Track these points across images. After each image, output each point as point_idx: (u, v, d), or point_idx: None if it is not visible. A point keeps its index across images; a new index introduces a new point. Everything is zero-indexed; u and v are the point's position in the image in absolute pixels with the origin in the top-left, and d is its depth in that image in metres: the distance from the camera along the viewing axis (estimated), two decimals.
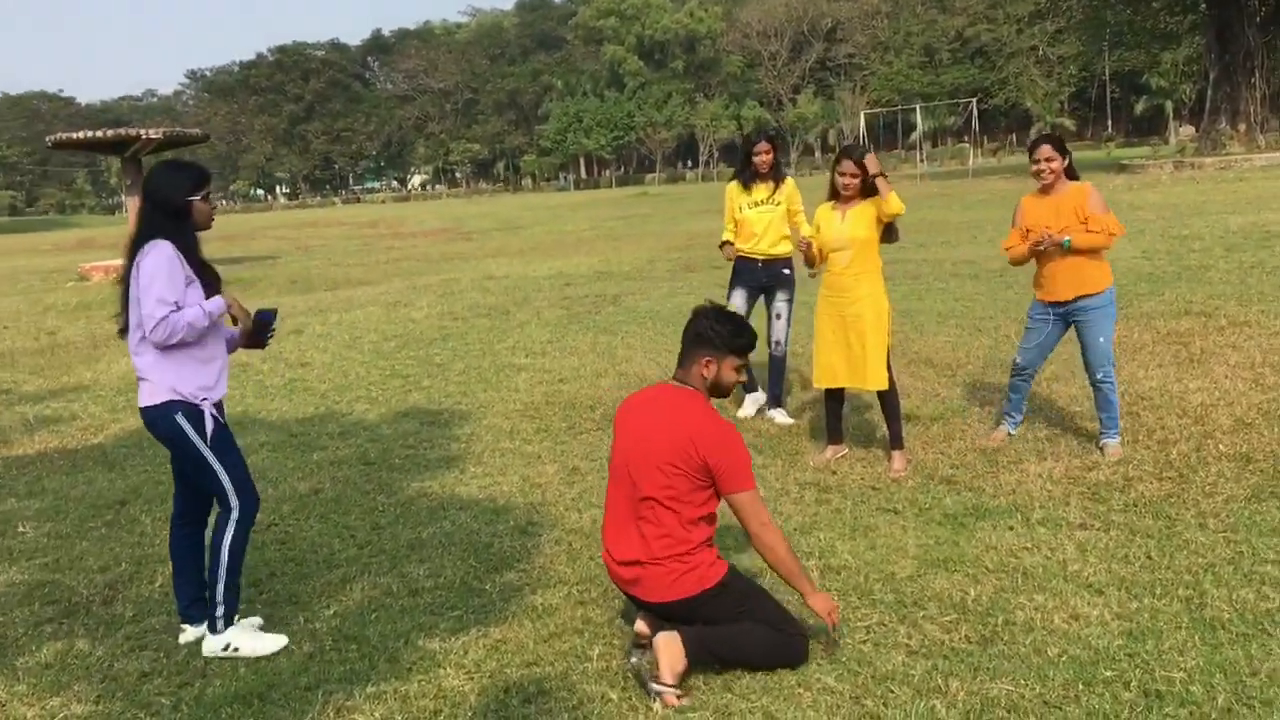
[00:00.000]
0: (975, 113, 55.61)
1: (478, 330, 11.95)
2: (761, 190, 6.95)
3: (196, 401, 3.91)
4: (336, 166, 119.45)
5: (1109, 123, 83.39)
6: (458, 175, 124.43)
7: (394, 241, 32.11)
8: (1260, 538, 4.35)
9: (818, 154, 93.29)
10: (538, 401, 8.04)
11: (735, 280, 7.13)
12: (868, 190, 5.70)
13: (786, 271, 7.02)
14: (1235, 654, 3.41)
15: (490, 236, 31.20)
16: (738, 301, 7.00)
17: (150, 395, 3.91)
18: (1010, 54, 77.93)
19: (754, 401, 7.17)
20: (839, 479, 5.62)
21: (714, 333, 3.77)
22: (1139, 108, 78.05)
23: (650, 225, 29.91)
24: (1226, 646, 3.46)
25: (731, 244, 7.14)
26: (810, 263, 5.99)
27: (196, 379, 3.92)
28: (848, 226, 5.75)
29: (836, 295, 5.83)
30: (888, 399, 5.88)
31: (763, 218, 6.92)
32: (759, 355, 7.03)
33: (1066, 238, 5.47)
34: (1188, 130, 61.90)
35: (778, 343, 7.00)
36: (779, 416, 6.92)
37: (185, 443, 3.92)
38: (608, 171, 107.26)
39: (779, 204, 6.92)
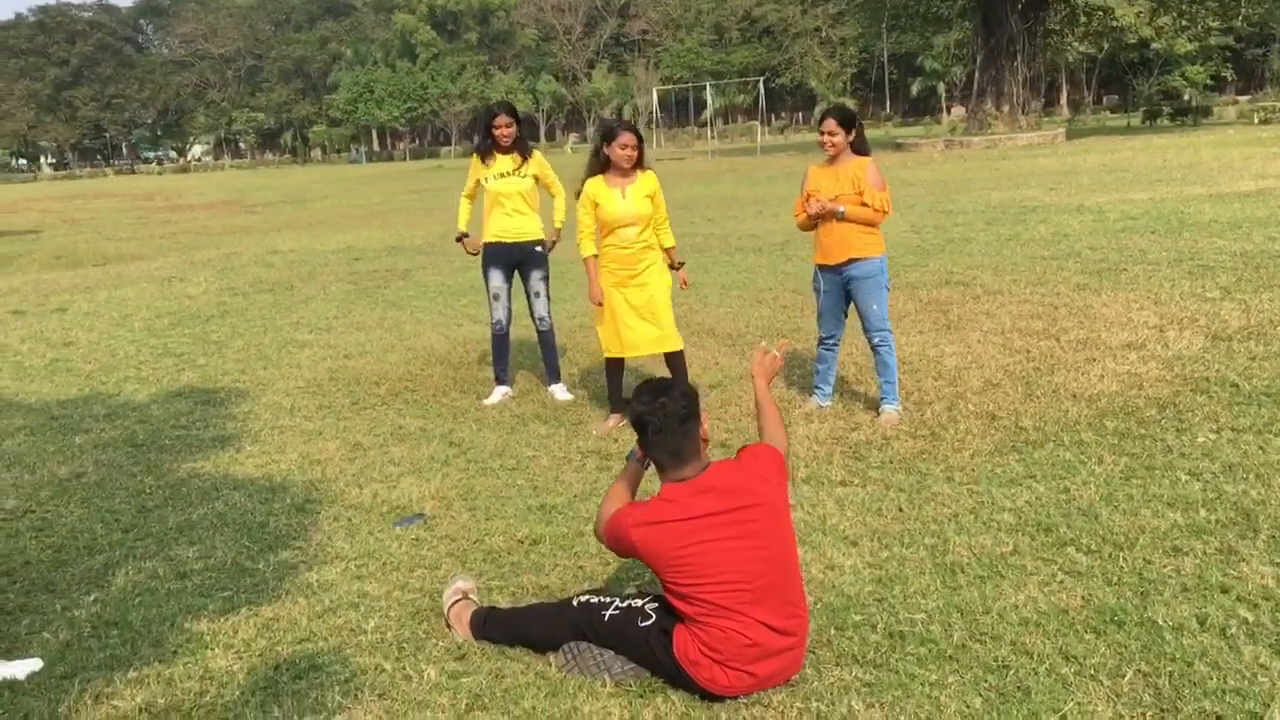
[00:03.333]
0: (763, 91, 57.28)
1: (259, 306, 11.55)
2: (506, 162, 6.78)
3: None
4: (108, 135, 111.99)
5: (888, 103, 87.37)
6: (242, 146, 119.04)
7: (171, 215, 30.51)
8: (999, 488, 4.72)
9: None
10: (321, 378, 7.86)
11: (489, 261, 6.94)
12: (641, 161, 5.91)
13: (539, 250, 6.92)
14: (971, 595, 3.70)
15: (276, 209, 30.07)
16: (497, 282, 6.90)
17: None
18: (796, 34, 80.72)
19: (502, 393, 6.97)
20: (620, 446, 5.74)
21: (680, 406, 3.27)
22: (915, 89, 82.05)
23: (445, 199, 29.45)
24: (964, 589, 3.76)
25: (469, 236, 7.06)
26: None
27: None
28: (632, 203, 5.89)
29: (624, 268, 5.97)
30: (678, 361, 6.14)
31: (508, 189, 6.75)
32: (529, 334, 7.12)
33: (841, 207, 5.75)
34: (958, 111, 65.67)
35: (542, 318, 6.94)
36: (559, 393, 6.93)
37: None
38: (402, 144, 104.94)
39: (525, 176, 6.80)
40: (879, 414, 5.96)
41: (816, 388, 6.37)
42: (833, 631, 3.51)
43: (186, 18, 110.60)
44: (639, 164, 5.95)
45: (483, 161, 6.82)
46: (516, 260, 6.93)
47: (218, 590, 4.18)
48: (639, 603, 3.32)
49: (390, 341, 9.07)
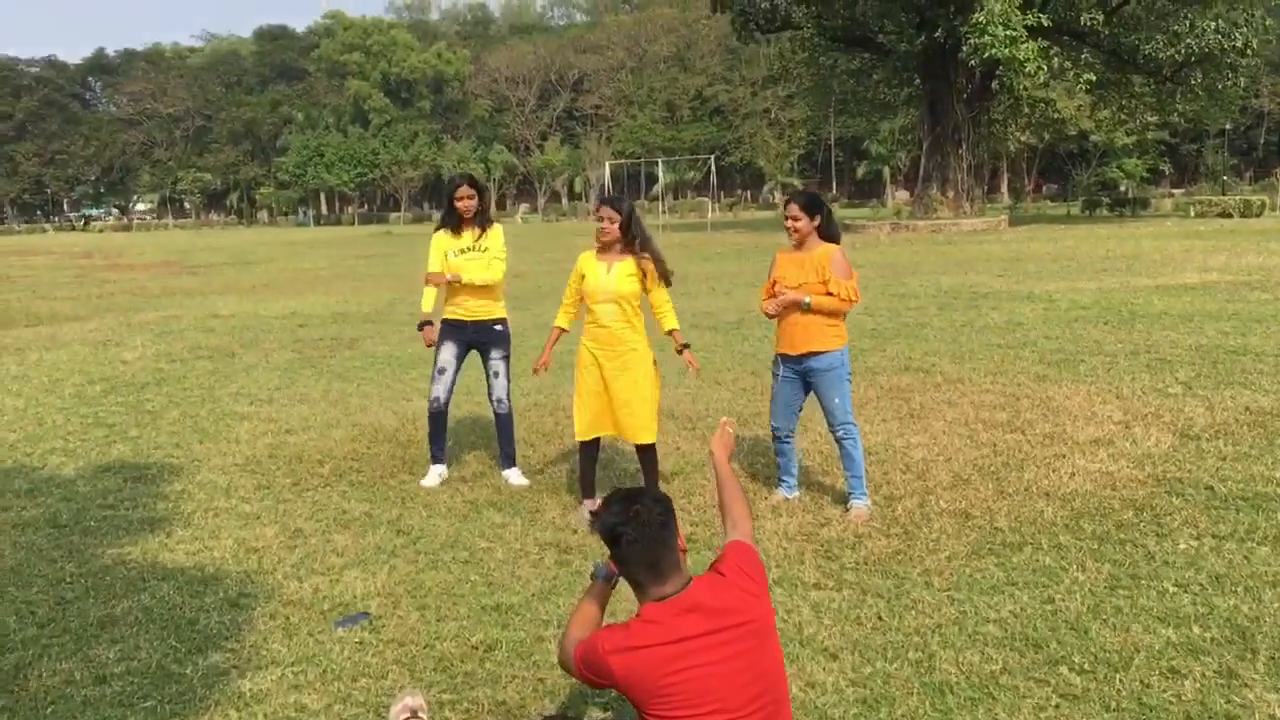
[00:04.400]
0: (714, 168, 57.93)
1: (197, 374, 11.12)
2: (468, 237, 6.53)
3: None
4: (49, 191, 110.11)
5: (834, 184, 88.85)
6: (186, 205, 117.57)
7: (110, 274, 29.80)
8: (981, 596, 4.49)
9: (564, 200, 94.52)
10: (260, 455, 7.48)
11: (443, 335, 6.62)
12: (629, 243, 5.72)
13: (498, 329, 6.63)
14: None
15: (218, 271, 29.52)
16: (446, 356, 6.58)
17: None
18: (745, 115, 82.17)
19: (438, 474, 6.63)
20: (580, 538, 5.45)
21: (655, 514, 2.99)
22: (860, 171, 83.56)
23: (393, 265, 29.16)
24: (955, 712, 3.50)
25: (432, 324, 6.66)
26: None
27: None
28: (614, 280, 5.68)
29: (603, 347, 5.73)
30: (649, 454, 5.88)
31: (470, 266, 6.47)
32: (483, 412, 6.80)
33: (807, 298, 5.58)
34: (903, 194, 66.90)
35: (499, 400, 6.64)
36: (514, 477, 6.60)
37: None
38: (350, 208, 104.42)
39: (485, 249, 6.52)
40: (848, 509, 5.72)
41: (781, 480, 6.14)
42: None
43: (136, 76, 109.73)
44: (625, 244, 5.73)
45: (454, 235, 6.53)
46: (475, 340, 6.64)
47: (140, 699, 3.79)
48: None
49: (335, 416, 8.71)
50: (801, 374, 5.81)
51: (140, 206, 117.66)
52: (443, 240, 6.59)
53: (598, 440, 5.94)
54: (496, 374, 6.65)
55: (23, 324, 16.84)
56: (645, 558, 2.96)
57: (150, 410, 9.22)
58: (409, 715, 3.40)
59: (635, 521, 2.95)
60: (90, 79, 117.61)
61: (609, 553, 3.24)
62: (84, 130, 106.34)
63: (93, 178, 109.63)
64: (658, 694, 2.82)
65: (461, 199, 6.47)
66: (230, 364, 11.77)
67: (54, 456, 7.59)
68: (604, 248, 5.76)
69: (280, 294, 21.15)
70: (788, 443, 6.02)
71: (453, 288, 6.55)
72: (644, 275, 5.72)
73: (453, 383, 6.67)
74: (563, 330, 6.08)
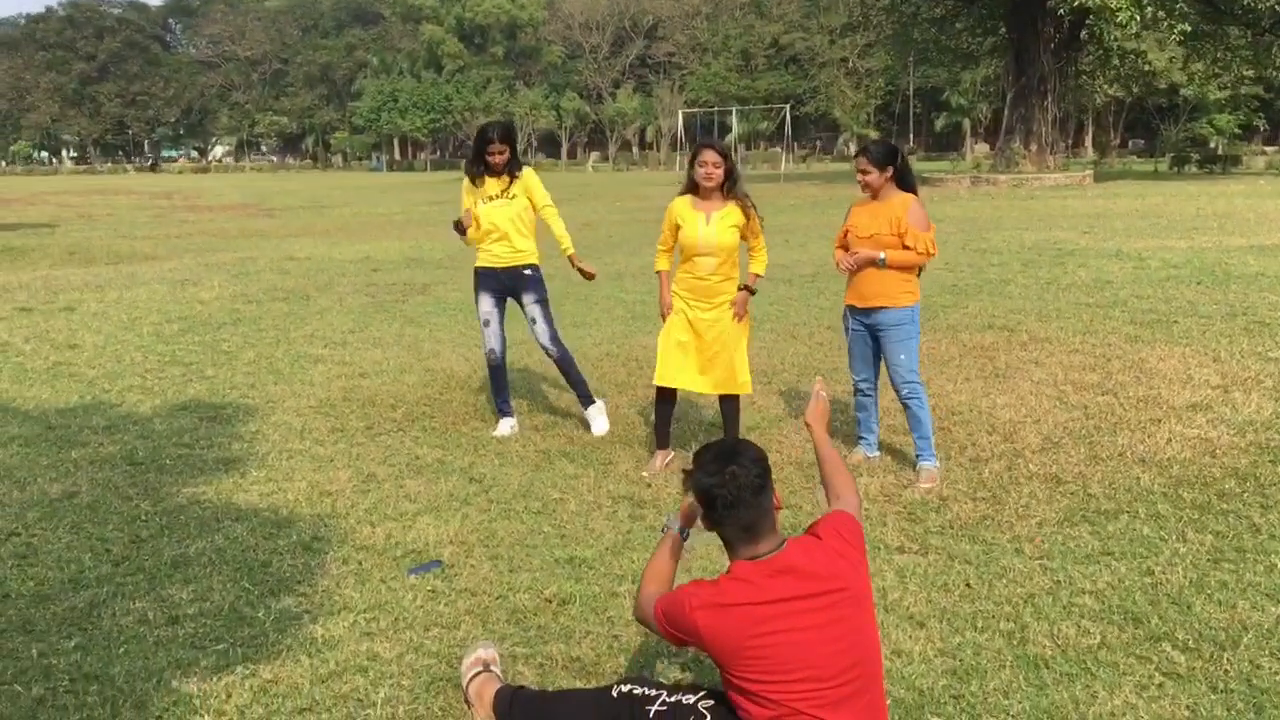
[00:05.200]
0: (788, 118, 56.97)
1: (273, 315, 11.17)
2: (494, 184, 6.33)
3: None
4: (131, 132, 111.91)
5: (911, 137, 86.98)
6: (264, 149, 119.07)
7: (189, 215, 30.26)
8: (1075, 565, 4.28)
9: (635, 149, 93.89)
10: (334, 397, 7.46)
11: (477, 286, 6.50)
12: (732, 188, 5.47)
13: (529, 273, 6.45)
14: (1060, 697, 3.27)
15: (294, 214, 29.79)
16: (485, 307, 6.46)
17: None
18: (822, 64, 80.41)
19: (509, 426, 6.54)
20: (654, 493, 5.33)
21: (753, 476, 2.80)
22: (939, 123, 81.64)
23: None
24: (1051, 688, 3.32)
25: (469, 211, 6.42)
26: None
27: None
28: (715, 232, 5.46)
29: (699, 298, 5.56)
30: (734, 405, 5.76)
31: (498, 214, 6.30)
32: (518, 369, 6.67)
33: (882, 254, 5.35)
34: (982, 148, 65.35)
35: (547, 347, 6.48)
36: (594, 416, 6.47)
37: None
38: (423, 154, 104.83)
39: (514, 197, 6.32)
40: (917, 473, 5.51)
41: (861, 437, 5.95)
42: None
43: (215, 19, 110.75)
44: (728, 188, 5.48)
45: (473, 184, 6.35)
46: (508, 287, 6.47)
47: (212, 641, 3.76)
48: (690, 699, 2.89)
49: (408, 361, 8.67)
50: (870, 327, 5.59)
51: (218, 150, 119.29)
52: (469, 190, 6.39)
53: (675, 391, 5.79)
54: (534, 320, 6.47)
55: (103, 262, 17.12)
56: (741, 520, 2.80)
57: (226, 350, 9.27)
58: (481, 668, 3.32)
59: (732, 484, 2.78)
60: (171, 20, 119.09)
61: (689, 505, 3.12)
62: (164, 72, 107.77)
63: (172, 119, 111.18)
64: (743, 656, 2.68)
65: (493, 154, 6.22)
66: (305, 306, 11.82)
67: (132, 394, 7.65)
68: (705, 194, 5.51)
69: (354, 238, 21.25)
70: (869, 396, 5.81)
71: (483, 238, 6.38)
72: (746, 222, 5.50)
73: (501, 332, 6.53)
74: (666, 271, 5.81)
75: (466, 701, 3.26)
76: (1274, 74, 43.21)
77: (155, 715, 3.26)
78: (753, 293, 5.72)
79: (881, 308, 5.47)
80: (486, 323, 6.51)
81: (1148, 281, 11.84)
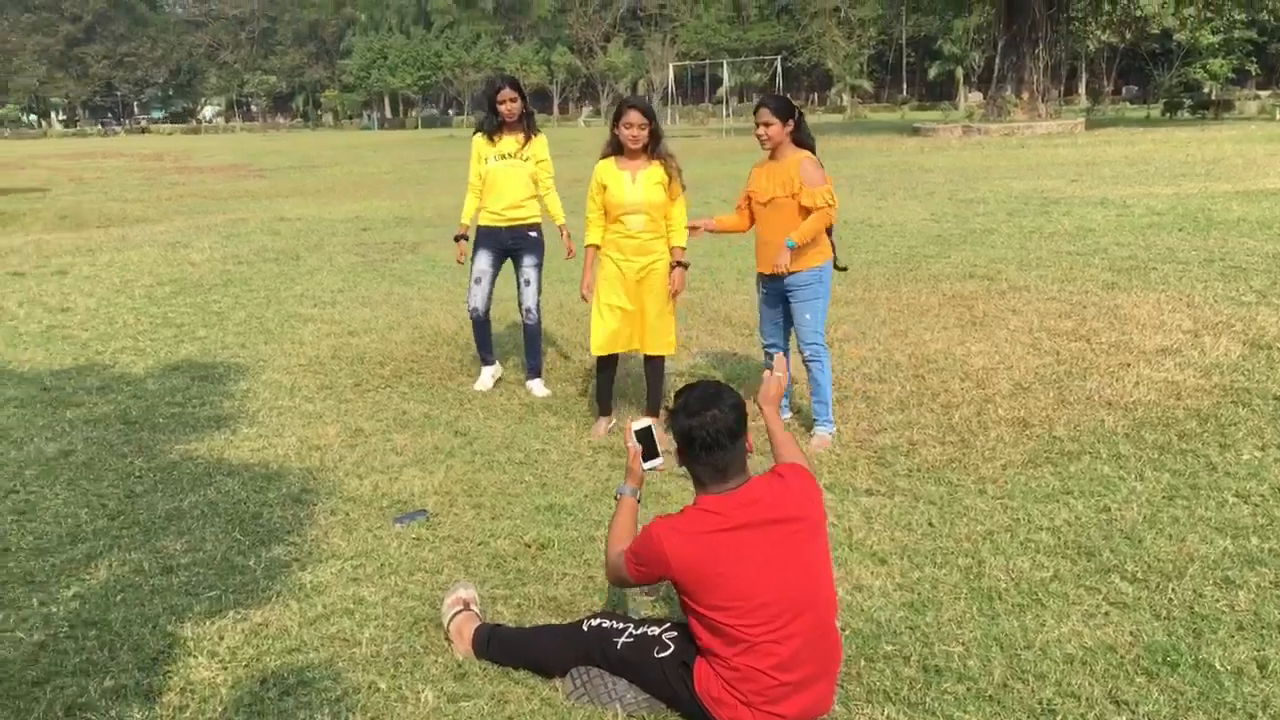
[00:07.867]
0: (780, 70, 56.63)
1: (263, 276, 11.29)
2: (510, 142, 6.40)
3: None
4: (119, 94, 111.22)
5: (904, 86, 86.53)
6: (253, 108, 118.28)
7: (179, 176, 30.20)
8: (1035, 504, 4.46)
9: None
10: (323, 355, 7.60)
11: (479, 242, 6.55)
12: (654, 147, 5.49)
13: (534, 235, 6.53)
14: (1011, 625, 3.45)
15: (285, 175, 29.74)
16: (482, 265, 6.51)
17: None
18: (814, 14, 79.77)
19: (490, 374, 6.71)
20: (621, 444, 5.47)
21: (732, 420, 2.97)
22: (932, 72, 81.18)
23: (455, 169, 29.10)
24: (1003, 618, 3.50)
25: (466, 237, 6.56)
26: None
27: None
28: (641, 189, 5.46)
29: (629, 258, 5.54)
30: (659, 365, 5.78)
31: (510, 173, 6.42)
32: (508, 324, 6.80)
33: (790, 242, 5.21)
34: (976, 96, 64.93)
35: (529, 310, 6.56)
36: (537, 389, 6.58)
37: None
38: (414, 111, 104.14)
39: (527, 159, 6.40)
40: (810, 436, 5.47)
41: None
42: (863, 663, 3.26)
43: None
44: (652, 148, 5.49)
45: (490, 140, 6.40)
46: (510, 245, 6.53)
47: (204, 589, 3.93)
48: (655, 630, 3.06)
49: (396, 319, 8.81)
50: (778, 291, 5.50)
51: (206, 111, 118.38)
52: (481, 145, 6.44)
53: (615, 358, 5.78)
54: (528, 282, 6.55)
55: (95, 225, 17.17)
56: (715, 461, 2.97)
57: (217, 311, 9.39)
58: (461, 607, 3.49)
59: (712, 427, 2.94)
60: None
61: (637, 469, 3.30)
62: (151, 32, 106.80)
63: (160, 80, 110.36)
64: (709, 582, 2.84)
65: (504, 101, 6.28)
66: (295, 266, 11.92)
67: (125, 355, 7.79)
68: (630, 155, 5.49)
69: (344, 198, 21.28)
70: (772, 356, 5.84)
71: (490, 194, 6.44)
72: (670, 181, 5.48)
73: (490, 291, 6.59)
74: (598, 247, 5.70)
75: (447, 638, 3.43)
76: (1266, 17, 43.03)
77: (151, 656, 3.43)
78: (685, 266, 5.66)
79: (790, 271, 5.34)
80: (478, 280, 6.54)
81: (1130, 229, 11.96)
